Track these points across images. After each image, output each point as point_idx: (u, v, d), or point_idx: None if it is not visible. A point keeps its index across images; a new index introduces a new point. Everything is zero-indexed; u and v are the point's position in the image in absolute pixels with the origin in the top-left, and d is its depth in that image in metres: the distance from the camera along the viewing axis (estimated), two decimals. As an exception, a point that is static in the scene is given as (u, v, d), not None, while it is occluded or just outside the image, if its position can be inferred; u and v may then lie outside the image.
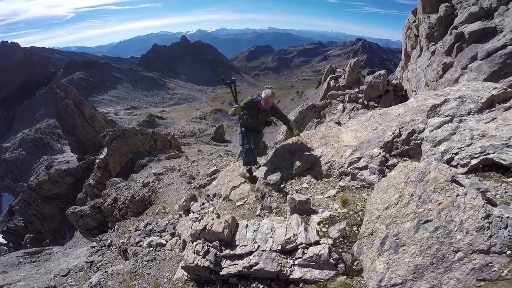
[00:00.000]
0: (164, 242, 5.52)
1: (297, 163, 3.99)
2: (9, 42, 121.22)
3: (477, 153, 2.63)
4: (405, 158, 3.29)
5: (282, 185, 3.98)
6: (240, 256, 2.82)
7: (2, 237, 22.36)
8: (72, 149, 39.18)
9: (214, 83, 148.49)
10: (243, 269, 2.71)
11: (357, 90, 10.48)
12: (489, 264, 1.64)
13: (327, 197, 3.24)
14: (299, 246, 2.61)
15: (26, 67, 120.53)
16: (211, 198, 5.68)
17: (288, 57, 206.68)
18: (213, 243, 3.03)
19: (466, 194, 1.91)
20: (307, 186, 3.66)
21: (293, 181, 3.92)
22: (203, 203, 5.61)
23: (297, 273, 2.52)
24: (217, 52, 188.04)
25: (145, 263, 4.81)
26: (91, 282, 5.01)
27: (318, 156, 3.90)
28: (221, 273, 2.87)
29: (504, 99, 3.00)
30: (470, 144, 2.74)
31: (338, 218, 2.84)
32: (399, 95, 9.67)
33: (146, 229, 6.45)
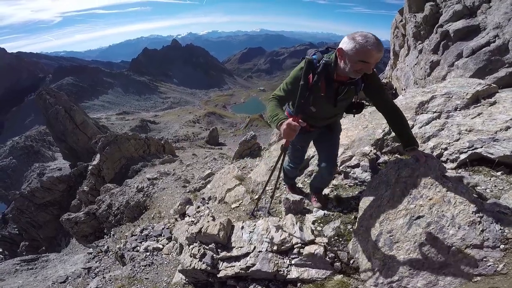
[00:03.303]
0: (161, 246, 5.49)
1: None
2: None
3: (465, 148, 2.68)
4: (396, 155, 3.35)
5: (277, 186, 4.01)
6: (237, 258, 2.83)
7: (-4, 245, 21.89)
8: (64, 156, 38.60)
9: (206, 86, 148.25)
10: (240, 271, 2.72)
11: (348, 89, 10.58)
12: (484, 259, 1.66)
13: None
14: (295, 246, 2.63)
15: (13, 73, 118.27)
16: (207, 201, 5.68)
17: (280, 58, 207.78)
18: (209, 246, 3.03)
19: (456, 189, 1.95)
20: (301, 186, 3.70)
21: (287, 181, 3.95)
22: (198, 206, 5.61)
23: (294, 273, 2.54)
24: (209, 55, 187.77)
25: (142, 268, 4.79)
26: (89, 289, 4.98)
27: (311, 155, 3.94)
28: (218, 275, 2.88)
29: (489, 94, 3.09)
30: (458, 139, 2.79)
31: (332, 217, 2.87)
32: (390, 94, 9.83)
33: (142, 234, 6.41)
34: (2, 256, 19.16)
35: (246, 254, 2.79)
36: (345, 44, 1.81)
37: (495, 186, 2.29)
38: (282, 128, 1.80)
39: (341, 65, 1.89)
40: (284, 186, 3.91)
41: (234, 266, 2.80)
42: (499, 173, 2.43)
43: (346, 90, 2.08)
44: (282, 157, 2.49)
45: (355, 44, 1.75)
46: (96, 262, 7.34)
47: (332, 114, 2.37)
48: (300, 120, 1.83)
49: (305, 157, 3.39)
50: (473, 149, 2.62)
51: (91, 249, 9.07)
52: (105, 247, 8.26)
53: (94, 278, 5.95)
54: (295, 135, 1.78)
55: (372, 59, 1.76)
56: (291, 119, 1.78)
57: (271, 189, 4.02)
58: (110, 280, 4.88)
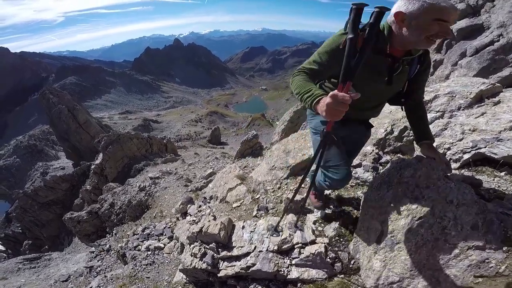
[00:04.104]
0: (162, 245, 5.51)
1: (292, 162, 4.01)
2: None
3: (468, 148, 2.65)
4: (398, 154, 3.33)
5: (278, 185, 4.00)
6: (237, 258, 2.82)
7: (0, 244, 22.15)
8: (67, 155, 38.85)
9: (208, 86, 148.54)
10: (241, 271, 2.72)
11: (350, 88, 10.53)
12: (486, 260, 1.63)
13: (323, 196, 3.26)
14: (295, 246, 2.62)
15: (16, 72, 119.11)
16: (208, 201, 5.67)
17: (282, 57, 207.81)
18: (210, 245, 3.03)
19: (458, 189, 1.92)
20: (303, 186, 3.68)
21: (288, 180, 3.94)
22: (200, 206, 5.60)
23: (294, 273, 2.53)
24: (211, 54, 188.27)
25: (144, 266, 4.81)
26: (91, 287, 5.01)
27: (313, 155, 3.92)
28: (219, 275, 2.88)
29: (493, 93, 3.05)
30: (462, 139, 2.77)
31: (333, 217, 2.86)
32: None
33: (144, 233, 6.43)
34: (5, 255, 19.35)
35: (247, 254, 2.79)
36: (406, 6, 1.40)
37: (499, 186, 2.27)
38: (323, 104, 1.28)
39: (403, 33, 1.45)
40: (286, 186, 3.89)
41: (234, 265, 2.80)
42: (502, 174, 2.41)
43: (401, 69, 1.61)
44: (322, 150, 1.78)
45: (421, 2, 1.35)
46: (98, 261, 7.38)
47: (381, 100, 1.86)
48: (350, 92, 1.27)
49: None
50: (476, 149, 2.59)
51: (93, 248, 9.12)
52: (107, 246, 8.30)
53: (95, 277, 5.98)
54: (343, 113, 1.26)
55: (451, 17, 1.36)
56: (335, 90, 1.26)
57: (272, 188, 4.01)
58: (111, 279, 4.91)
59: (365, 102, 1.74)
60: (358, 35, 1.37)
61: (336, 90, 1.27)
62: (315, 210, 3.01)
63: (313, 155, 1.93)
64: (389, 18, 1.52)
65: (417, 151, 3.08)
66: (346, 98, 1.21)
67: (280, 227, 2.79)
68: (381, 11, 1.37)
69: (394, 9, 1.46)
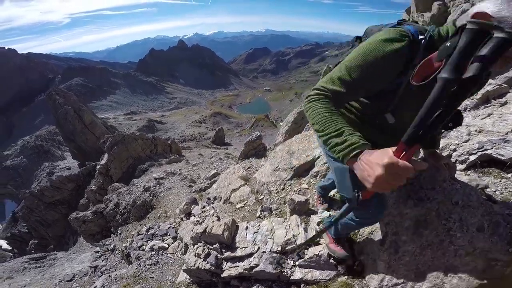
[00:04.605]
0: (166, 245, 5.53)
1: (296, 163, 4.01)
2: (6, 48, 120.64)
3: (475, 149, 2.63)
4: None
5: (282, 186, 4.00)
6: (241, 258, 2.83)
7: (6, 243, 22.47)
8: (73, 156, 39.25)
9: (212, 87, 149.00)
10: (244, 271, 2.72)
11: (355, 89, 10.48)
12: (492, 263, 1.62)
13: (327, 197, 3.25)
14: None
15: (23, 73, 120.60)
16: (212, 201, 5.69)
17: (285, 58, 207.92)
18: (214, 246, 3.04)
19: (464, 191, 1.91)
20: (307, 187, 3.68)
21: (292, 181, 3.94)
22: (203, 206, 5.62)
23: (297, 274, 2.52)
24: (214, 55, 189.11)
25: (148, 267, 4.83)
26: (95, 287, 5.04)
27: (317, 156, 3.92)
28: (222, 275, 2.88)
29: (499, 94, 3.02)
30: (468, 140, 2.75)
31: (337, 218, 2.84)
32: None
33: (148, 233, 6.46)
34: (11, 254, 19.59)
35: (250, 255, 2.79)
36: (498, 7, 0.96)
37: (505, 188, 2.24)
38: (371, 169, 0.88)
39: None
40: (289, 187, 3.88)
41: (238, 266, 2.80)
42: (509, 175, 2.38)
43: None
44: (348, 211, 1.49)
45: None
46: (102, 260, 7.43)
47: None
48: (414, 158, 0.90)
49: (314, 158, 3.34)
50: (483, 150, 2.57)
51: (98, 247, 9.18)
52: (112, 246, 8.35)
53: (100, 276, 6.02)
54: (396, 187, 0.90)
55: None
56: (390, 153, 0.87)
57: (276, 189, 4.02)
58: (115, 279, 4.94)
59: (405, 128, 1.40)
60: (462, 80, 0.88)
61: (392, 153, 0.87)
62: (319, 211, 3.00)
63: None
64: (460, 18, 1.11)
65: (422, 153, 3.06)
66: (409, 171, 0.84)
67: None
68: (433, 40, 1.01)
69: (475, 9, 1.05)
